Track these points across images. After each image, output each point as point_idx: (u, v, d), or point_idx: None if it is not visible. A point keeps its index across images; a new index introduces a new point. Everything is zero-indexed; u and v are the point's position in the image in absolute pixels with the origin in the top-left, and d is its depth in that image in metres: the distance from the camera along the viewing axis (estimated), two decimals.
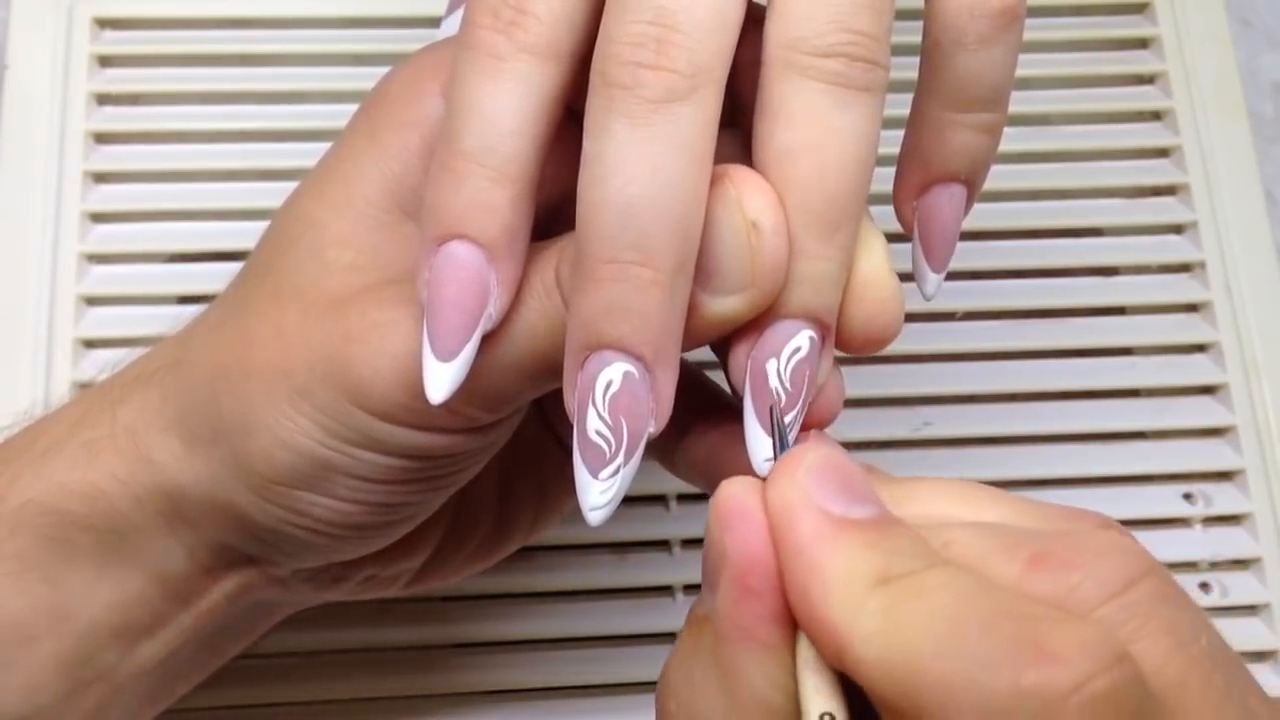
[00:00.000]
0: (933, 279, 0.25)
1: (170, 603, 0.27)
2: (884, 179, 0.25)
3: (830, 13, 0.20)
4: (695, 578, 0.37)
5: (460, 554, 0.30)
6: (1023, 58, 0.23)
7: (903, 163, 0.24)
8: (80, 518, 0.26)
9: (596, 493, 0.21)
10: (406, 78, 0.25)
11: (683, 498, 0.37)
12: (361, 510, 0.25)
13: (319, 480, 0.24)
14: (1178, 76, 0.43)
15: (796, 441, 0.22)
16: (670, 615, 0.36)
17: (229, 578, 0.27)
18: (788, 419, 0.22)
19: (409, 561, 0.29)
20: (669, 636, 0.36)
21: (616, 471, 0.21)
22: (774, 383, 0.21)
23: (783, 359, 0.21)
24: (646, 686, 0.36)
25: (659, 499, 0.37)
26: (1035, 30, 0.43)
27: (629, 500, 0.37)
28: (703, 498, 0.37)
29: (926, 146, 0.24)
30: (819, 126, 0.20)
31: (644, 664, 0.36)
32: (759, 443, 0.22)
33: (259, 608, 0.30)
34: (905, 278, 0.26)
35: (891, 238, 0.25)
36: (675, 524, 0.37)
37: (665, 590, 0.37)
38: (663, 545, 0.37)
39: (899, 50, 0.30)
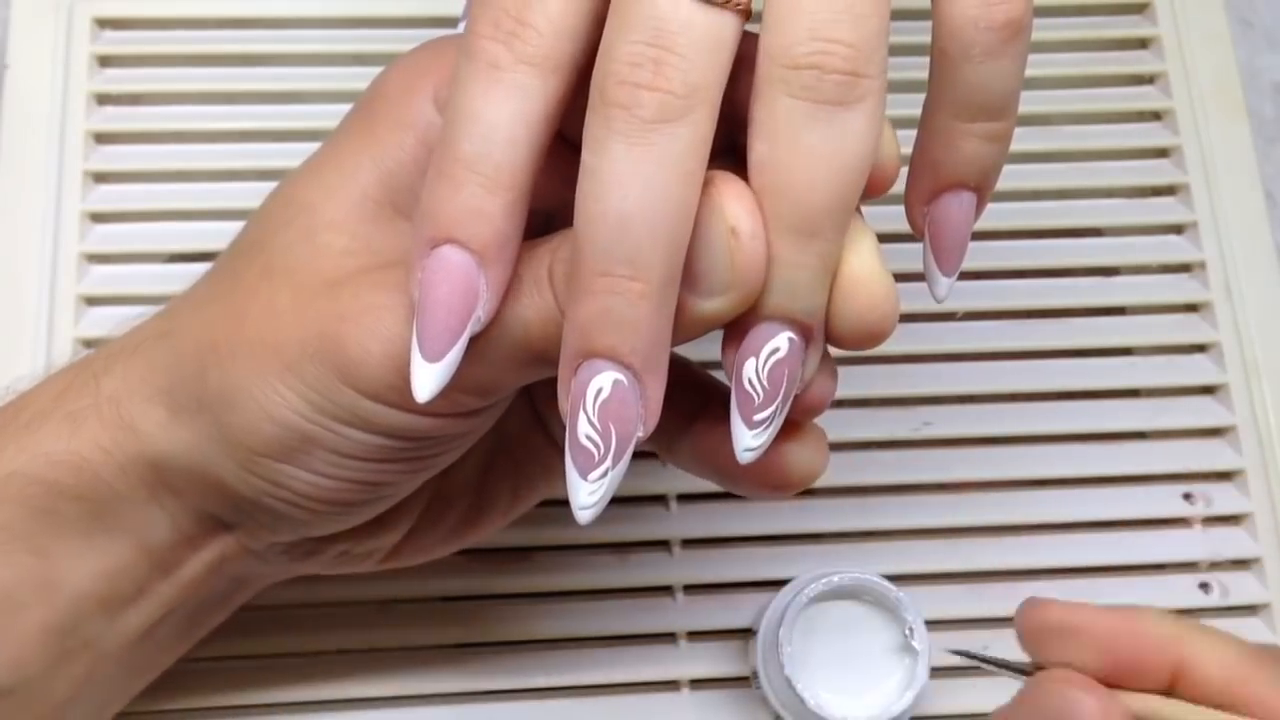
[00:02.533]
0: (944, 282, 0.26)
1: (154, 572, 0.27)
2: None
3: (806, 22, 0.20)
4: (695, 578, 0.37)
5: (435, 533, 0.30)
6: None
7: (913, 169, 0.25)
8: (66, 487, 0.26)
9: (585, 493, 0.22)
10: (403, 76, 0.26)
11: (683, 498, 0.37)
12: (342, 486, 0.25)
13: (301, 454, 0.25)
14: (1178, 76, 0.43)
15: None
16: (670, 615, 0.36)
17: (209, 548, 0.28)
18: (765, 413, 0.22)
19: (384, 539, 0.29)
20: (669, 636, 0.36)
21: (605, 474, 0.22)
22: (752, 379, 0.22)
23: (760, 359, 0.22)
24: (646, 686, 0.36)
25: (659, 499, 0.37)
26: (1035, 30, 0.42)
27: (629, 500, 0.38)
28: (703, 498, 0.37)
29: (936, 154, 0.24)
30: (787, 142, 0.21)
31: (644, 664, 0.36)
32: (739, 433, 0.23)
33: (236, 580, 0.30)
34: (917, 278, 0.26)
35: (901, 237, 0.26)
36: (675, 524, 0.37)
37: (665, 590, 0.37)
38: (663, 545, 0.37)
39: (908, 51, 0.30)
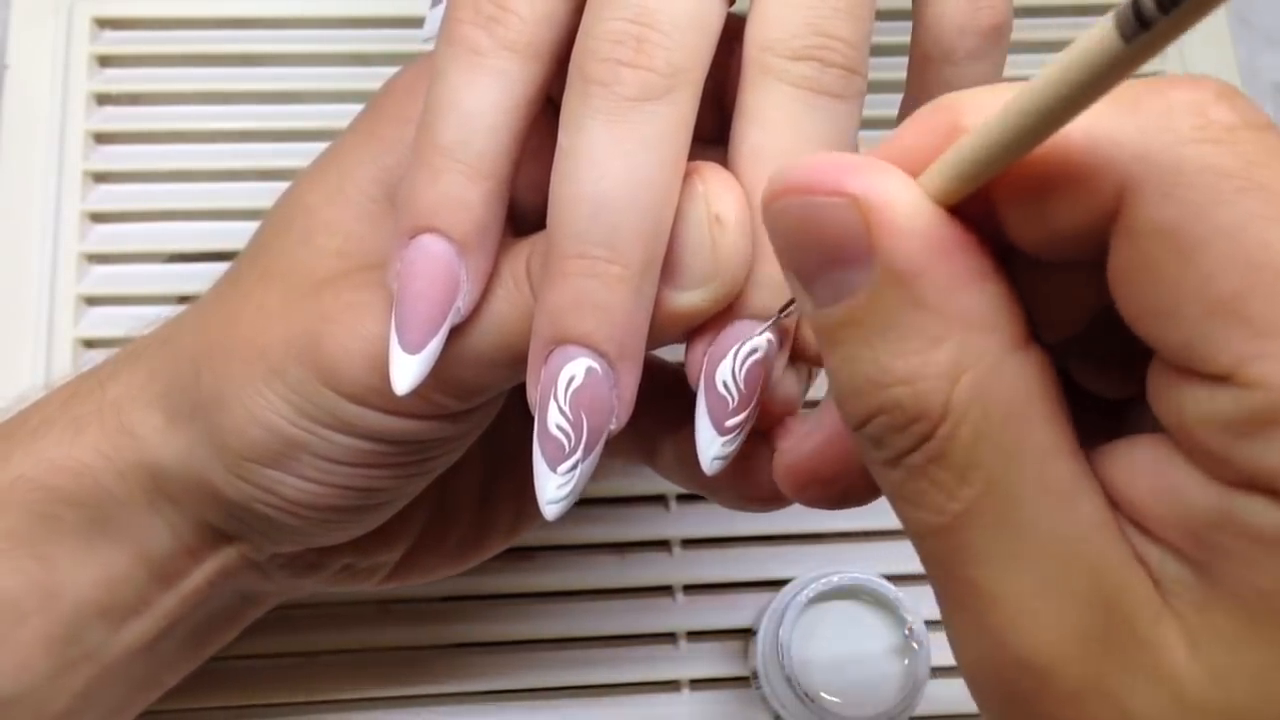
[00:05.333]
0: None
1: (155, 582, 0.27)
2: None
3: (805, 16, 0.20)
4: (695, 578, 0.37)
5: (438, 552, 0.30)
6: (1023, 58, 0.24)
7: None
8: (67, 493, 0.26)
9: (554, 486, 0.21)
10: (409, 77, 0.26)
11: (683, 498, 0.37)
12: (331, 492, 0.25)
13: (288, 459, 0.24)
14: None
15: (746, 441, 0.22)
16: (670, 615, 0.36)
17: (210, 559, 0.27)
18: (738, 419, 0.21)
19: (386, 554, 0.29)
20: (669, 636, 0.36)
21: (575, 466, 0.21)
22: (727, 381, 0.21)
23: (739, 358, 0.21)
24: (646, 686, 0.36)
25: (659, 499, 0.37)
26: (1036, 30, 0.43)
27: (629, 500, 0.37)
28: (703, 498, 0.37)
29: None
30: (788, 130, 0.20)
31: (644, 664, 0.36)
32: (707, 440, 0.22)
33: (241, 597, 0.30)
34: None
35: None
36: (675, 524, 0.37)
37: (665, 590, 0.37)
38: (663, 545, 0.37)
39: (889, 51, 0.30)
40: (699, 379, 0.22)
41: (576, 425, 0.21)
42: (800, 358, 0.23)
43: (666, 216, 0.20)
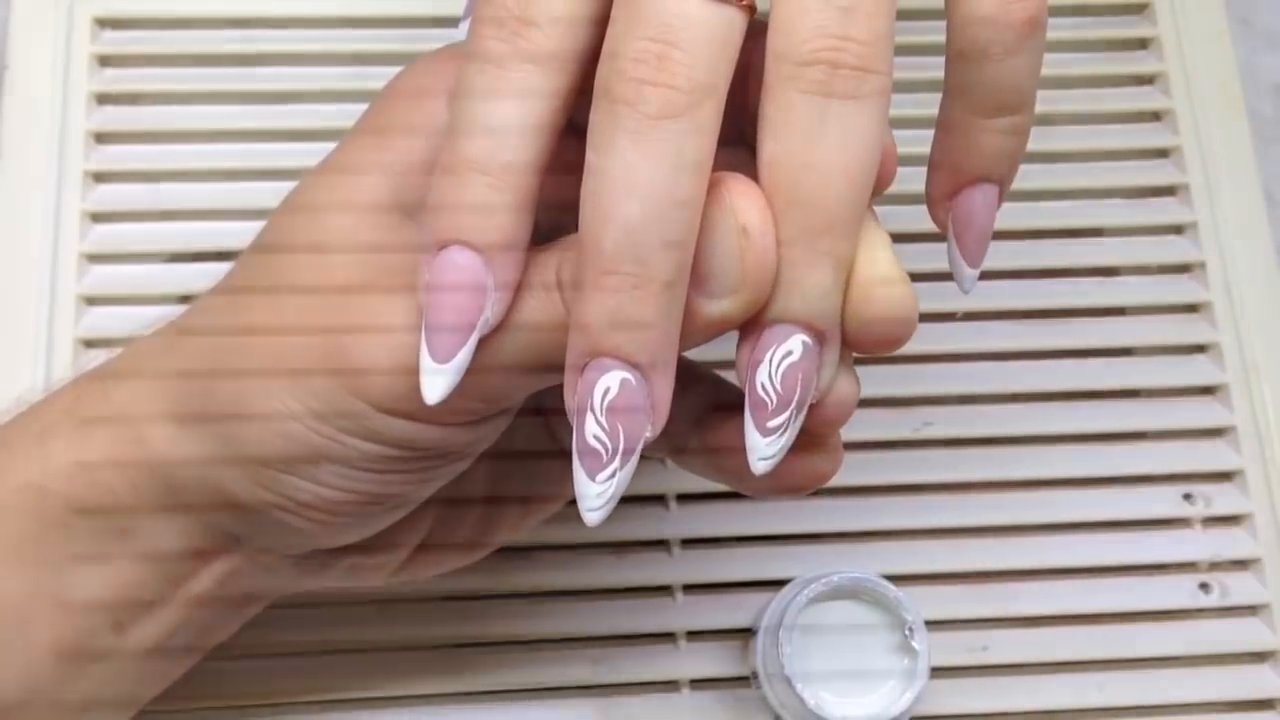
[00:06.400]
0: (970, 275, 0.26)
1: (164, 585, 0.27)
2: (907, 179, 0.25)
3: (815, 20, 0.20)
4: (695, 578, 0.37)
5: (445, 546, 0.30)
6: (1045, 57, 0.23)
7: (934, 166, 0.25)
8: (76, 500, 0.26)
9: (594, 495, 0.22)
10: (415, 80, 0.26)
11: (683, 498, 0.37)
12: (350, 497, 0.25)
13: (308, 466, 0.24)
14: (1178, 77, 0.43)
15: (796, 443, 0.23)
16: (670, 615, 0.36)
17: (219, 561, 0.27)
18: (779, 419, 0.22)
19: (394, 552, 0.29)
20: (669, 636, 0.36)
21: (613, 475, 0.21)
22: (765, 383, 0.22)
23: (773, 362, 0.22)
24: (646, 686, 0.36)
25: (659, 499, 0.37)
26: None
27: (629, 500, 0.37)
28: (702, 498, 0.37)
29: (957, 151, 0.24)
30: (799, 136, 0.21)
31: (644, 664, 0.36)
32: (754, 441, 0.22)
33: (246, 593, 0.30)
34: (919, 278, 0.26)
35: (925, 236, 0.26)
36: (675, 524, 0.37)
37: (665, 590, 0.37)
38: (662, 545, 0.37)
39: (919, 50, 0.30)
40: (745, 382, 0.22)
41: (613, 435, 0.21)
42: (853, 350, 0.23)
43: (693, 229, 0.21)
